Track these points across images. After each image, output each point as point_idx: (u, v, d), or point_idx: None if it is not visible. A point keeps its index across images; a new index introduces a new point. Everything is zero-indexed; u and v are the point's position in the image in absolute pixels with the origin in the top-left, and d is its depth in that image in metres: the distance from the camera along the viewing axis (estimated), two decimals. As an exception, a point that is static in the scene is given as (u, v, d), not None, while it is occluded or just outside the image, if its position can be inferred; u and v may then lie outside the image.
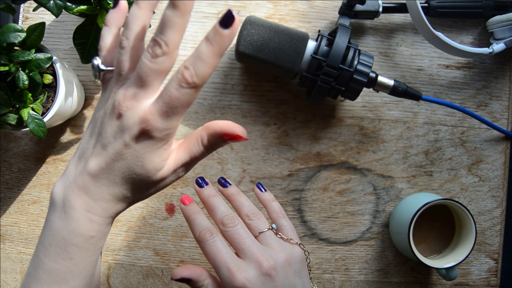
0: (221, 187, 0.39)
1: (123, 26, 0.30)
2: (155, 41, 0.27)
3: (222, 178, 0.39)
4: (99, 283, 0.35)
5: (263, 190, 0.40)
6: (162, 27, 0.27)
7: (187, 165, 0.31)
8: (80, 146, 0.31)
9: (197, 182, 0.37)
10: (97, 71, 0.31)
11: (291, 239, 0.36)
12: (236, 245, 0.34)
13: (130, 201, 0.32)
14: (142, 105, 0.28)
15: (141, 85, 0.28)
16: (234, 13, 0.27)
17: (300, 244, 0.37)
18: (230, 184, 0.39)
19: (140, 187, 0.30)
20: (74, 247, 0.30)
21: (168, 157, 0.30)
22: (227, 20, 0.27)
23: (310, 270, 0.38)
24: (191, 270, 0.34)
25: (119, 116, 0.28)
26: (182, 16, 0.28)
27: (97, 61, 0.31)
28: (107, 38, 0.31)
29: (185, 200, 0.36)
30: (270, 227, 0.36)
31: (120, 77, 0.29)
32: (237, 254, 0.34)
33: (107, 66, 0.31)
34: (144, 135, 0.28)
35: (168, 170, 0.30)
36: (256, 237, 0.35)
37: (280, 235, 0.37)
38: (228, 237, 0.34)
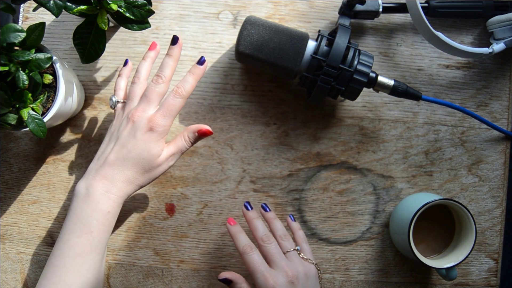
0: (263, 211, 0.50)
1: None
2: (158, 75, 0.46)
3: (265, 204, 0.50)
4: (102, 280, 0.45)
5: (293, 219, 0.51)
6: (163, 67, 0.46)
7: (175, 155, 0.46)
8: (99, 151, 0.46)
9: (245, 206, 0.49)
10: (114, 103, 0.48)
11: (309, 259, 0.47)
12: (270, 257, 0.45)
13: (136, 184, 0.45)
14: (146, 114, 0.44)
15: (147, 102, 0.45)
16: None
17: (316, 264, 0.47)
18: (270, 210, 0.50)
19: (145, 169, 0.44)
20: (95, 221, 0.42)
21: (163, 149, 0.45)
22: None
23: (321, 286, 0.48)
24: (233, 274, 0.46)
25: (133, 122, 0.44)
26: (174, 61, 0.47)
27: (115, 97, 0.48)
28: (122, 83, 0.49)
29: (231, 221, 0.47)
30: (295, 249, 0.47)
31: (131, 101, 0.46)
32: (269, 264, 0.44)
33: (120, 100, 0.48)
34: (150, 130, 0.44)
35: (164, 157, 0.45)
36: (284, 253, 0.46)
37: (302, 255, 0.47)
38: (264, 251, 0.45)
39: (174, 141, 0.46)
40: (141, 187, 0.45)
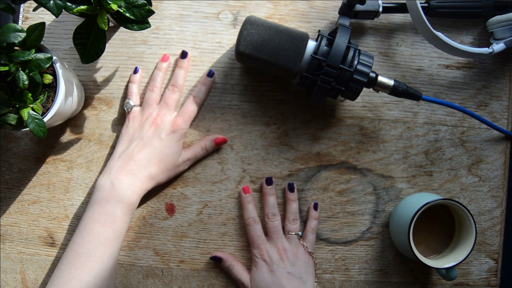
0: (287, 189, 0.53)
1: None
2: (173, 85, 0.52)
3: (292, 183, 0.53)
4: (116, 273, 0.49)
5: (314, 208, 0.53)
6: (175, 78, 0.53)
7: (190, 160, 0.52)
8: (119, 149, 0.50)
9: (266, 180, 0.53)
10: (132, 106, 0.52)
11: (306, 247, 0.51)
12: (270, 234, 0.51)
13: (157, 180, 0.50)
14: (168, 118, 0.51)
15: (167, 108, 0.51)
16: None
17: (311, 253, 0.52)
18: (294, 192, 0.53)
19: (167, 167, 0.50)
20: (119, 211, 0.47)
21: (181, 151, 0.51)
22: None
23: (316, 276, 0.53)
24: (224, 254, 0.52)
25: (156, 125, 0.50)
26: (184, 72, 0.53)
27: (132, 102, 0.52)
28: (135, 89, 0.53)
29: (246, 190, 0.53)
30: (297, 233, 0.51)
31: (149, 106, 0.51)
32: (268, 239, 0.51)
33: (136, 104, 0.52)
34: (173, 132, 0.50)
35: (182, 159, 0.51)
36: (285, 234, 0.51)
37: (301, 242, 0.51)
38: (268, 227, 0.51)
39: (192, 148, 0.52)
40: (159, 184, 0.51)
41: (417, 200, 0.50)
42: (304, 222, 0.53)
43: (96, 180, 0.51)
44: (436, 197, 0.49)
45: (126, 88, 0.54)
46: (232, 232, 0.53)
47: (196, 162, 0.53)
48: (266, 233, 0.51)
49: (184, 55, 0.53)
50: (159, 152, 0.49)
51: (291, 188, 0.52)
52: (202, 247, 0.53)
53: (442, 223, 0.52)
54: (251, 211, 0.52)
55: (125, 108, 0.52)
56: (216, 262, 0.52)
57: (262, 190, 0.53)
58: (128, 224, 0.48)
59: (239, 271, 0.51)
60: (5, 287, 0.52)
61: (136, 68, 0.53)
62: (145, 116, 0.51)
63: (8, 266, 0.52)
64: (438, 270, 0.50)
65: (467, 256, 0.47)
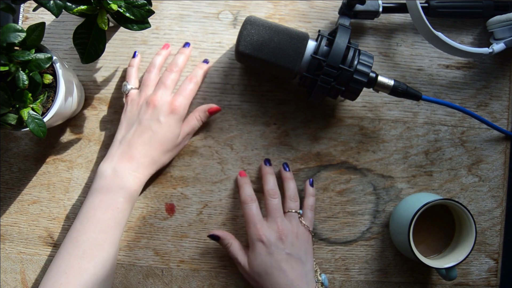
0: (282, 169, 0.52)
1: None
2: (171, 65, 0.51)
3: (286, 164, 0.52)
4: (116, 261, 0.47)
5: (311, 184, 0.53)
6: (175, 59, 0.52)
7: (189, 134, 0.52)
8: (119, 135, 0.49)
9: (264, 161, 0.52)
10: (129, 89, 0.51)
11: (306, 225, 0.49)
12: (269, 212, 0.48)
13: (160, 163, 0.50)
14: (166, 99, 0.49)
15: (164, 88, 0.50)
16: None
17: (311, 231, 0.50)
18: (289, 170, 0.52)
19: (168, 149, 0.49)
20: (122, 198, 0.46)
21: (181, 129, 0.50)
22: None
23: (313, 253, 0.50)
24: (222, 232, 0.51)
25: (154, 106, 0.48)
26: (185, 56, 0.53)
27: (129, 84, 0.51)
28: (133, 72, 0.52)
29: (242, 173, 0.52)
30: (298, 211, 0.49)
31: (147, 87, 0.50)
32: (266, 218, 0.48)
33: (134, 86, 0.51)
34: (171, 113, 0.49)
35: (182, 136, 0.50)
36: (285, 212, 0.49)
37: (301, 220, 0.49)
38: (267, 204, 0.49)
39: (187, 122, 0.51)
40: (162, 166, 0.50)
41: (417, 200, 0.50)
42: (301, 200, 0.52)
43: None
44: (436, 197, 0.49)
45: (125, 72, 0.53)
46: (232, 232, 0.53)
47: (196, 161, 0.53)
48: (264, 214, 0.50)
49: (186, 44, 0.53)
50: (159, 136, 0.48)
51: (284, 168, 0.52)
52: (202, 247, 0.53)
53: (442, 223, 0.52)
54: (248, 190, 0.50)
55: (123, 91, 0.51)
56: (215, 240, 0.51)
57: (261, 171, 0.52)
58: (130, 212, 0.48)
59: (236, 250, 0.49)
60: (5, 287, 0.52)
61: (134, 52, 0.53)
62: (142, 97, 0.50)
63: (8, 266, 0.52)
64: (438, 270, 0.50)
65: (467, 256, 0.47)
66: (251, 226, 0.48)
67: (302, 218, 0.50)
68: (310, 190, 0.52)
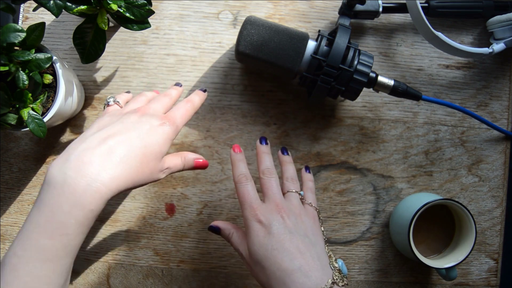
0: (279, 153, 0.48)
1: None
2: (165, 92, 0.45)
3: (284, 148, 0.49)
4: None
5: (307, 171, 0.50)
6: (169, 90, 0.46)
7: (169, 169, 0.41)
8: (88, 133, 0.37)
9: (260, 139, 0.47)
10: (112, 102, 0.44)
11: (311, 203, 0.44)
12: (266, 191, 0.42)
13: (131, 180, 0.36)
14: (159, 110, 0.41)
15: (158, 102, 0.42)
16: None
17: (317, 208, 0.45)
18: (287, 154, 0.48)
19: (149, 164, 0.37)
20: (73, 220, 0.33)
21: (166, 153, 0.40)
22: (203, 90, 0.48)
23: (324, 232, 0.44)
24: (223, 223, 0.45)
25: (143, 113, 0.40)
26: (178, 92, 0.46)
27: (113, 97, 0.44)
28: (124, 93, 0.47)
29: (235, 148, 0.45)
30: (298, 192, 0.44)
31: (133, 102, 0.43)
32: (263, 199, 0.42)
33: (120, 102, 0.44)
34: (164, 124, 0.39)
35: (163, 164, 0.40)
36: (284, 193, 0.43)
37: (303, 201, 0.44)
38: (262, 184, 0.43)
39: (171, 160, 0.41)
40: (132, 188, 0.37)
41: (417, 200, 0.50)
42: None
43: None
44: (436, 197, 0.49)
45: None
46: (232, 232, 0.53)
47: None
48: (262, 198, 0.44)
49: (178, 85, 0.48)
50: (143, 142, 0.37)
51: (283, 152, 0.48)
52: (202, 247, 0.53)
53: (442, 223, 0.52)
54: (243, 167, 0.43)
55: (105, 103, 0.44)
56: (216, 233, 0.45)
57: (257, 150, 0.46)
58: (85, 235, 0.35)
59: (238, 240, 0.42)
60: (5, 287, 0.52)
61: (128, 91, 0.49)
62: (127, 108, 0.42)
63: (8, 266, 0.52)
64: (438, 270, 0.50)
65: (467, 256, 0.47)
66: (246, 207, 0.40)
67: (303, 199, 0.44)
68: (307, 175, 0.49)
